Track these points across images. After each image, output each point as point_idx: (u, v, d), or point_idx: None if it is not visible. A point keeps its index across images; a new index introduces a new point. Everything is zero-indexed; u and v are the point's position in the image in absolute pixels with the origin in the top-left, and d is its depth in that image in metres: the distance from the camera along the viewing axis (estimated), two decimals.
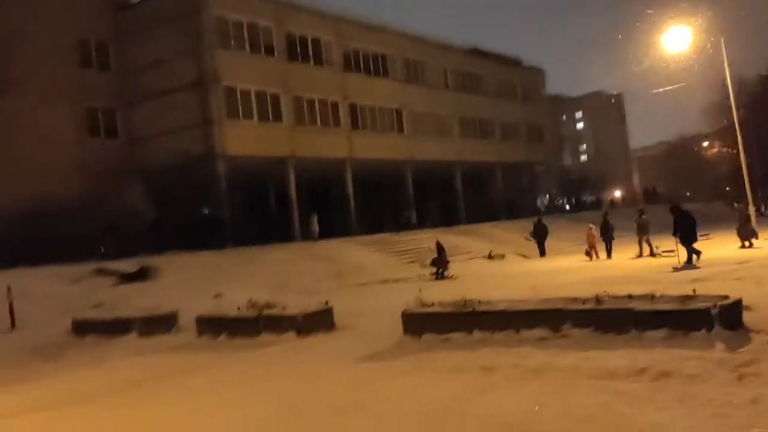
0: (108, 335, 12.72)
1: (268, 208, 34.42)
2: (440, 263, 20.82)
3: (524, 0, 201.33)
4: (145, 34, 29.37)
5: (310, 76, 32.56)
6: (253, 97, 29.78)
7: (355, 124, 34.66)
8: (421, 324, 9.24)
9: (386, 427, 5.36)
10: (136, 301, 16.65)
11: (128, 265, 20.39)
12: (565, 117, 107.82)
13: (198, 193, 29.15)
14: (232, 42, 29.19)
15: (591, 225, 23.40)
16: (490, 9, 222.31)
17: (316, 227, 29.04)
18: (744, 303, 7.70)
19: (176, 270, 20.33)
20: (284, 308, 11.35)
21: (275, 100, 30.79)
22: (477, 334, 8.65)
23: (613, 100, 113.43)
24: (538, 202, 57.95)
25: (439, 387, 6.42)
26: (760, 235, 22.28)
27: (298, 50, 32.37)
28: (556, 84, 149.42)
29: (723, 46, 27.83)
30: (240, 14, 29.57)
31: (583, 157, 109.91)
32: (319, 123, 32.77)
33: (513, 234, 32.09)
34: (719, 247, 20.33)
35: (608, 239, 21.99)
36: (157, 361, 10.07)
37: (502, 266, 23.98)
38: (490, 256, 26.90)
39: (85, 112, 29.11)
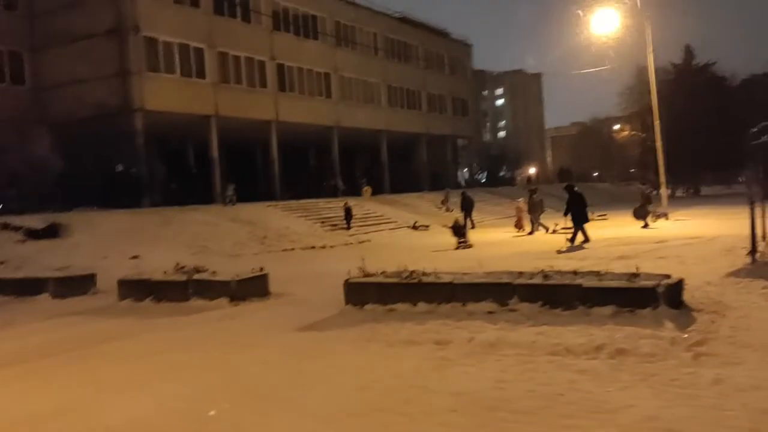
0: (17, 296, 11.76)
1: (188, 168, 33.08)
2: (462, 232, 18.60)
3: None
4: None
5: (237, 32, 31.27)
6: (175, 49, 28.29)
7: (282, 86, 33.70)
8: (364, 293, 8.96)
9: (354, 402, 5.02)
10: (46, 259, 15.58)
11: (35, 221, 19.03)
12: (486, 93, 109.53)
13: (112, 149, 27.55)
14: None
15: (520, 199, 23.91)
16: None
17: (233, 196, 27.48)
18: None
19: (88, 228, 19.13)
20: (215, 273, 10.80)
21: (199, 54, 29.40)
22: (422, 306, 8.46)
23: (534, 80, 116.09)
24: (459, 175, 58.73)
25: (396, 361, 6.15)
26: (669, 216, 23.51)
27: (225, 3, 30.98)
28: (480, 60, 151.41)
29: (648, 30, 28.71)
30: None
31: (501, 134, 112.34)
32: (244, 82, 31.61)
33: (436, 206, 32.40)
34: (621, 227, 21.17)
35: (535, 214, 22.44)
36: (76, 324, 9.29)
37: (430, 237, 23.97)
38: (414, 227, 26.93)
39: None
